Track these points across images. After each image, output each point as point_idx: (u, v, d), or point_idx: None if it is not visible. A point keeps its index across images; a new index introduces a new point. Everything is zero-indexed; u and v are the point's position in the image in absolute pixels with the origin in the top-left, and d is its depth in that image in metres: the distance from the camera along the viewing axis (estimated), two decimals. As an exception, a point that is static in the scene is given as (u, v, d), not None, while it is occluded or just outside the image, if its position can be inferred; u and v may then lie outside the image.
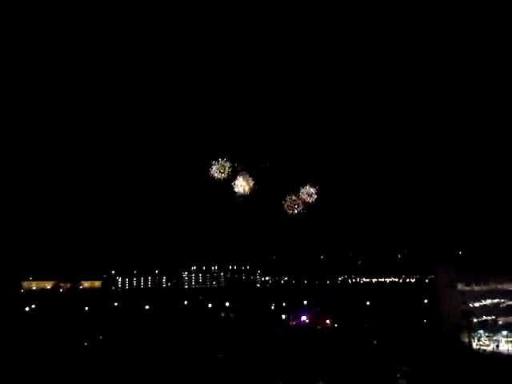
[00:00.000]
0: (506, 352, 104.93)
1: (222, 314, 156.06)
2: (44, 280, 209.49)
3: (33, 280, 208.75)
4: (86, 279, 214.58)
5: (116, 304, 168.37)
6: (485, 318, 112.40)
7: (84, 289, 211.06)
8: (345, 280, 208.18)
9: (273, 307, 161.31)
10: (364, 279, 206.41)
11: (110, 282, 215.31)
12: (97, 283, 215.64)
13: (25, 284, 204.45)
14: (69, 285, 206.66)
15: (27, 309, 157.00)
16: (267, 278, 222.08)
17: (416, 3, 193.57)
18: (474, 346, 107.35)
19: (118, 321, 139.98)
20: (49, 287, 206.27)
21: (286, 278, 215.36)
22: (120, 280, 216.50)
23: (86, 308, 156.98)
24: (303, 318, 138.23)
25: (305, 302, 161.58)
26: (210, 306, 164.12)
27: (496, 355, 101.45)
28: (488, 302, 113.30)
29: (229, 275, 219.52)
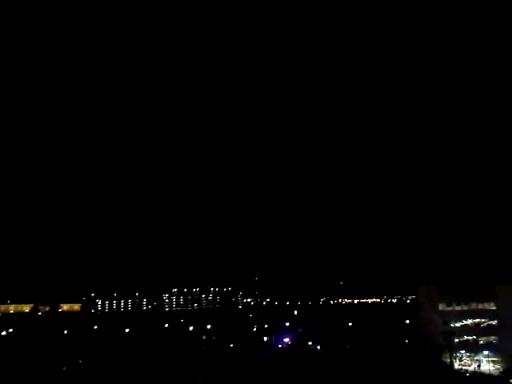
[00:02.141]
0: (487, 372, 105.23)
1: (204, 337, 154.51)
2: (22, 303, 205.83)
3: (10, 303, 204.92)
4: (66, 302, 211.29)
5: (96, 327, 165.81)
6: (466, 337, 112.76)
7: (63, 312, 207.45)
8: (327, 301, 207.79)
9: (255, 329, 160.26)
10: (346, 300, 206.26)
11: (89, 304, 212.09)
12: (76, 306, 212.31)
13: (2, 307, 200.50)
14: (47, 308, 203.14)
15: (4, 333, 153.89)
16: (249, 300, 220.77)
17: (416, 3, 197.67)
18: (456, 366, 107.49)
19: (97, 344, 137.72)
20: (27, 310, 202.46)
21: (268, 300, 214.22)
22: (100, 302, 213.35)
23: (65, 331, 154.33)
24: (286, 339, 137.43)
25: (287, 324, 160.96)
26: (191, 328, 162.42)
27: (477, 375, 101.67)
28: (469, 321, 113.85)
29: (210, 297, 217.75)
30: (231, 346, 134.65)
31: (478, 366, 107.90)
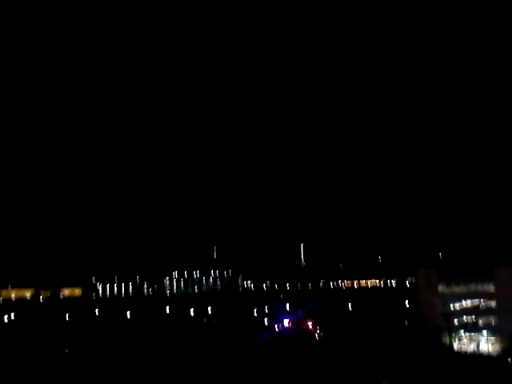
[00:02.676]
0: (486, 352, 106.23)
1: (205, 320, 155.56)
2: (23, 287, 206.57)
3: (12, 288, 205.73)
4: (67, 286, 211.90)
5: (97, 310, 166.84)
6: (465, 318, 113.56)
7: (64, 297, 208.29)
8: (327, 283, 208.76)
9: (255, 312, 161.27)
10: (346, 281, 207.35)
11: (90, 288, 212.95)
12: (77, 290, 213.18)
13: (3, 292, 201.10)
14: (49, 293, 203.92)
15: (6, 319, 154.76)
16: (249, 283, 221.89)
17: (416, 3, 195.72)
18: (455, 347, 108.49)
19: (98, 328, 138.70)
20: (28, 295, 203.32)
21: (268, 283, 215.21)
22: (100, 287, 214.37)
23: (67, 316, 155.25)
24: (286, 322, 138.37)
25: (287, 307, 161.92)
26: (191, 311, 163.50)
27: (477, 356, 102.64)
28: (468, 303, 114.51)
29: (211, 280, 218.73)
30: (232, 328, 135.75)
31: (477, 346, 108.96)
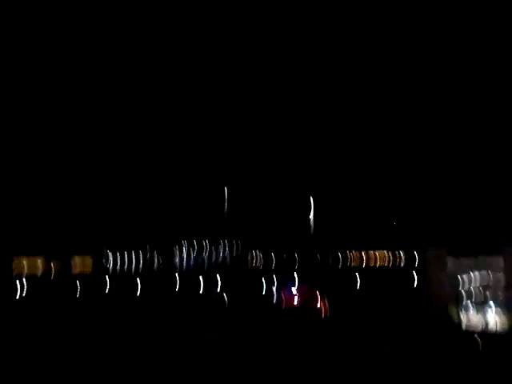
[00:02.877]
0: (493, 325, 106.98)
1: (213, 289, 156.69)
2: (34, 255, 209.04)
3: (23, 255, 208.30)
4: (77, 254, 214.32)
5: (108, 280, 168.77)
6: (472, 289, 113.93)
7: (75, 274, 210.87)
8: (335, 254, 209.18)
9: (264, 280, 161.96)
10: (353, 251, 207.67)
11: (100, 256, 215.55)
12: (87, 258, 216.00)
13: (15, 261, 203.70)
14: (60, 263, 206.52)
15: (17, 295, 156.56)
16: (257, 252, 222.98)
17: (416, 3, 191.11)
18: (463, 319, 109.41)
19: (108, 302, 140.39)
20: (39, 262, 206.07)
21: (277, 253, 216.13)
22: (111, 255, 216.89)
23: (78, 290, 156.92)
24: (293, 290, 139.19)
25: (296, 277, 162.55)
26: (200, 278, 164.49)
27: (485, 334, 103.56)
28: (476, 274, 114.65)
29: (220, 250, 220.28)
30: (240, 298, 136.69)
31: (485, 320, 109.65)
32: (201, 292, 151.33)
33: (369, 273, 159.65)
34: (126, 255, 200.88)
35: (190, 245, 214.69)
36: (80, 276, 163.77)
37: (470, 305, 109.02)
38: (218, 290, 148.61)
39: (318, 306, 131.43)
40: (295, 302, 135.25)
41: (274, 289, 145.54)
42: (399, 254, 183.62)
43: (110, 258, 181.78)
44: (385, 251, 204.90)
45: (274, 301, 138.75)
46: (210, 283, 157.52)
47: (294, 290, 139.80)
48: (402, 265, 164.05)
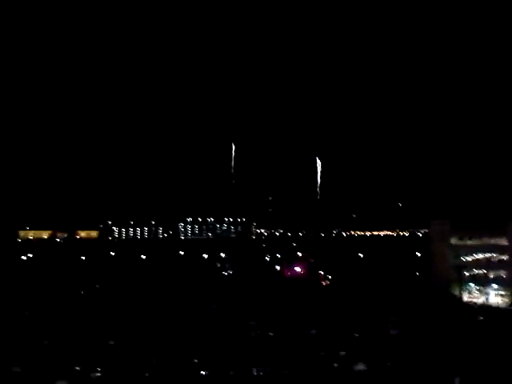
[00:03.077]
0: (495, 305, 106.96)
1: (218, 265, 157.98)
2: (41, 229, 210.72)
3: (29, 229, 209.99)
4: (83, 229, 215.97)
5: (112, 253, 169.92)
6: (476, 271, 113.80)
7: (81, 238, 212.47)
8: (339, 233, 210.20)
9: (268, 258, 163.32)
10: (358, 232, 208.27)
11: (106, 231, 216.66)
12: (93, 233, 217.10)
13: (21, 233, 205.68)
14: (66, 234, 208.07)
15: (24, 258, 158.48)
16: (262, 230, 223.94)
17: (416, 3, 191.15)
18: (465, 298, 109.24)
19: (114, 270, 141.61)
20: (45, 237, 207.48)
21: (281, 231, 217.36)
22: (117, 230, 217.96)
23: (83, 257, 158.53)
24: (297, 268, 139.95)
25: (299, 254, 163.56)
26: (205, 256, 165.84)
27: (486, 308, 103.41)
28: (480, 256, 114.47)
29: (225, 227, 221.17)
30: (243, 273, 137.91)
31: (487, 299, 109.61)
32: (205, 263, 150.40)
33: (373, 246, 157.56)
34: (131, 230, 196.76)
35: (195, 221, 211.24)
36: (85, 242, 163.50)
37: (473, 286, 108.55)
38: (222, 262, 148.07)
39: (319, 277, 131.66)
40: (297, 273, 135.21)
41: (278, 267, 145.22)
42: (403, 234, 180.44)
43: (116, 231, 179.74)
44: (389, 232, 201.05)
45: (278, 273, 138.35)
46: (214, 258, 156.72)
47: (297, 267, 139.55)
48: (406, 236, 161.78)
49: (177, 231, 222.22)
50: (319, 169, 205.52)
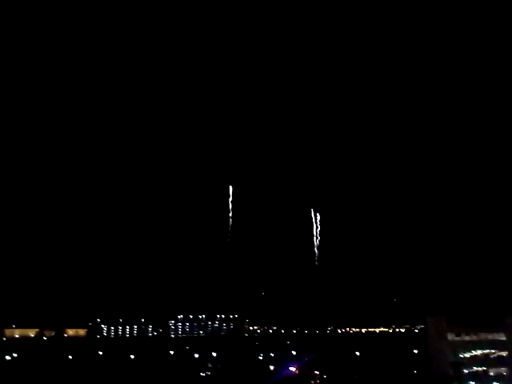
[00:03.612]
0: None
1: (209, 365, 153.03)
2: (27, 328, 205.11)
3: (16, 328, 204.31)
4: (71, 327, 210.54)
5: (101, 353, 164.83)
6: (475, 368, 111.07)
7: (69, 337, 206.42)
8: (334, 330, 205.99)
9: (261, 357, 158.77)
10: (354, 329, 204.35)
11: (95, 330, 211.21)
12: (81, 331, 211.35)
13: (7, 332, 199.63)
14: (53, 333, 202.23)
15: (8, 357, 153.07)
16: (255, 328, 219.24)
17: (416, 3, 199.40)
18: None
19: (102, 370, 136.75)
20: (32, 335, 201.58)
21: (274, 328, 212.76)
22: (105, 328, 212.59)
23: (70, 357, 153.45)
24: (292, 368, 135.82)
25: (293, 353, 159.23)
26: (196, 356, 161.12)
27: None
28: (478, 352, 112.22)
29: (216, 324, 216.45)
30: (237, 373, 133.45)
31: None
32: (196, 365, 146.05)
33: (369, 341, 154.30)
34: (120, 328, 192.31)
35: (186, 319, 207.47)
36: (73, 340, 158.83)
37: (472, 383, 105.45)
38: (213, 362, 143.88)
39: (314, 377, 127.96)
40: (292, 372, 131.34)
41: (272, 367, 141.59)
42: (399, 330, 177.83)
43: (105, 329, 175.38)
44: (385, 329, 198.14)
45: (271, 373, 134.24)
46: (206, 358, 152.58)
47: (291, 367, 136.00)
48: (403, 333, 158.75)
49: (167, 329, 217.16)
50: (316, 263, 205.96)
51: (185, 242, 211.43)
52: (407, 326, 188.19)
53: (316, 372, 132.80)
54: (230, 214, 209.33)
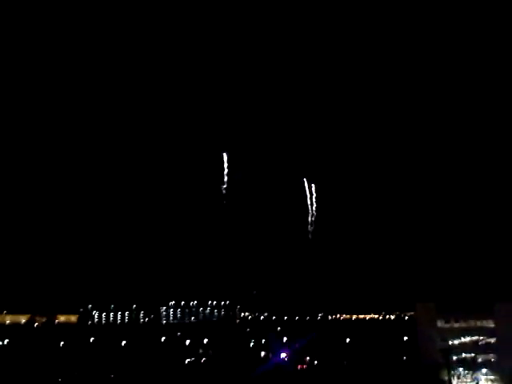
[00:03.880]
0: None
1: (201, 351, 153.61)
2: (18, 314, 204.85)
3: (7, 314, 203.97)
4: (62, 313, 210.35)
5: (92, 339, 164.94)
6: (464, 355, 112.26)
7: (60, 323, 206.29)
8: (324, 316, 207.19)
9: (252, 344, 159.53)
10: (344, 316, 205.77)
11: (86, 316, 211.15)
12: (73, 317, 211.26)
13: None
14: (44, 319, 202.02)
15: None
16: (247, 314, 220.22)
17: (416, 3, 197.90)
18: (454, 383, 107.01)
19: (93, 357, 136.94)
20: (23, 321, 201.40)
21: (265, 314, 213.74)
22: (97, 314, 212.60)
23: (62, 343, 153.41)
24: (283, 355, 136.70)
25: (284, 339, 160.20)
26: (187, 342, 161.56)
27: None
28: (467, 339, 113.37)
29: (208, 311, 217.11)
30: (228, 360, 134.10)
31: (477, 383, 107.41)
32: (187, 351, 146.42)
33: (359, 328, 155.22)
34: (111, 314, 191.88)
35: (178, 305, 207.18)
36: (64, 326, 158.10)
37: (461, 370, 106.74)
38: (204, 348, 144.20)
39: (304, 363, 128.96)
40: (282, 359, 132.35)
41: (263, 353, 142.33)
42: (389, 317, 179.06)
43: (96, 315, 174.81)
44: (375, 316, 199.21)
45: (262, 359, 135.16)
46: (197, 344, 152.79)
47: (282, 353, 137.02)
48: (392, 320, 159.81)
49: (158, 315, 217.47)
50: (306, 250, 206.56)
51: (176, 225, 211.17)
52: (397, 313, 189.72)
53: (307, 357, 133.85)
54: (224, 186, 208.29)
